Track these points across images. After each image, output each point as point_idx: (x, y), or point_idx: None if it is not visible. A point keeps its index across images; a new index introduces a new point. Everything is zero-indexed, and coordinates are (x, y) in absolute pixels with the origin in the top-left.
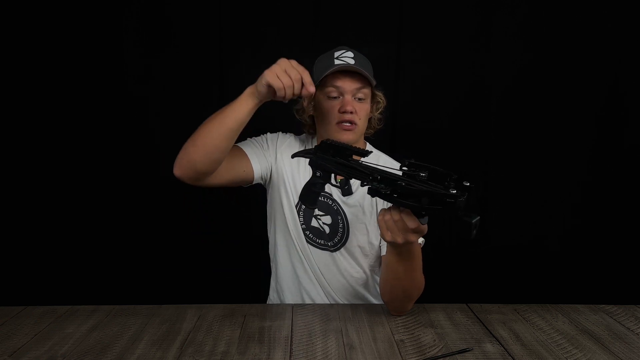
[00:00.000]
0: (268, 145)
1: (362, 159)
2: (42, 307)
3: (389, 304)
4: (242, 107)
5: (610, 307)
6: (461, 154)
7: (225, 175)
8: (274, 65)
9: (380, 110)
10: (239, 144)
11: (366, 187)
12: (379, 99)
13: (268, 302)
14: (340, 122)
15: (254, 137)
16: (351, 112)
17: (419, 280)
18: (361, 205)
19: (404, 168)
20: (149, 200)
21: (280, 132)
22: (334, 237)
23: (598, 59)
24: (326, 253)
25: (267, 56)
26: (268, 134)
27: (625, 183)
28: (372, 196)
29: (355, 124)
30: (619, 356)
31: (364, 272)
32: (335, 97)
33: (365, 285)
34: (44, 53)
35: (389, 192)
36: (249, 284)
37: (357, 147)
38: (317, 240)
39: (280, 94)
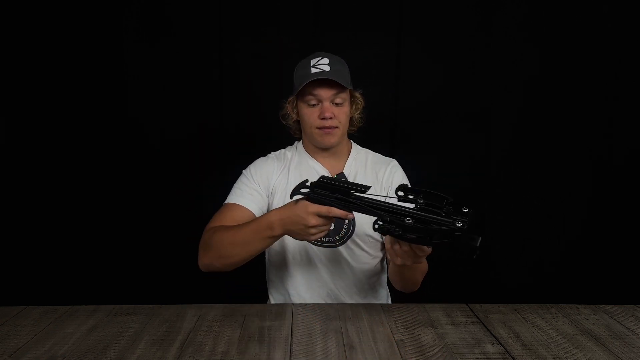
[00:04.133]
0: (254, 179)
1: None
2: (42, 307)
3: (402, 289)
4: (269, 241)
5: (610, 307)
6: (461, 154)
7: None
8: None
9: (359, 110)
10: (234, 201)
11: (365, 174)
12: (358, 100)
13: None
14: (321, 127)
15: (242, 182)
16: (330, 118)
17: (424, 267)
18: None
19: (400, 193)
20: (148, 201)
21: (259, 161)
22: (339, 232)
23: (598, 59)
24: (329, 250)
25: (267, 57)
26: (251, 168)
27: (624, 184)
28: (383, 234)
29: (336, 127)
30: (619, 356)
31: (370, 261)
32: (314, 105)
33: (376, 275)
34: (44, 53)
35: (400, 232)
36: (249, 284)
37: (356, 183)
38: (322, 239)
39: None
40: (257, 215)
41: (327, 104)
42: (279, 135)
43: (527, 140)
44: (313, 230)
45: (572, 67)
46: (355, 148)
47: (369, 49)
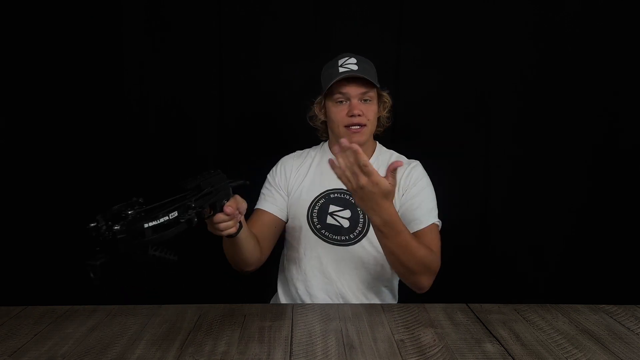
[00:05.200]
0: (276, 183)
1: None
2: (42, 307)
3: (403, 280)
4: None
5: (610, 307)
6: (461, 153)
7: (269, 245)
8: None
9: (387, 109)
10: (258, 206)
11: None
12: (385, 99)
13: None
14: (349, 126)
15: (265, 186)
16: (359, 115)
17: (419, 254)
18: None
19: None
20: (148, 201)
21: (282, 159)
22: (354, 230)
23: (600, 64)
24: (340, 249)
25: (266, 58)
26: (273, 170)
27: (624, 184)
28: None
29: (365, 125)
30: (619, 356)
31: (382, 262)
32: (342, 102)
33: (387, 280)
34: (44, 53)
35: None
36: (249, 284)
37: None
38: (334, 237)
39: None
40: (279, 217)
41: (355, 101)
42: (279, 135)
43: (527, 141)
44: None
45: (572, 67)
46: (380, 149)
47: (369, 49)
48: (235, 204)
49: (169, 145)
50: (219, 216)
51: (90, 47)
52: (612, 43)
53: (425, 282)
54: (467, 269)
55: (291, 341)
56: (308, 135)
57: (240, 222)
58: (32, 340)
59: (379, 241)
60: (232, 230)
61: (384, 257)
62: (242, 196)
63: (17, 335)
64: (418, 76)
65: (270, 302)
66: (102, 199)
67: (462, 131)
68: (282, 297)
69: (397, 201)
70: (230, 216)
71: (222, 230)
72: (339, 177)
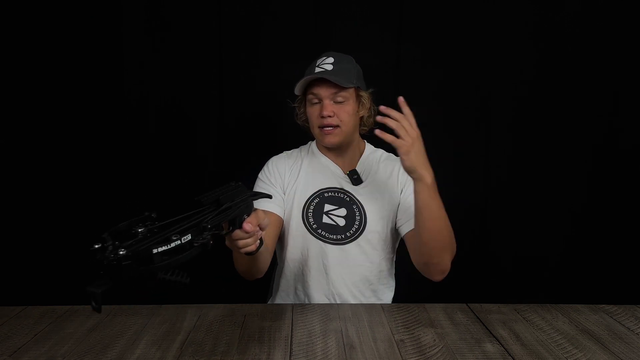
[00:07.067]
0: (271, 182)
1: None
2: (42, 307)
3: (432, 258)
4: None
5: (610, 307)
6: (461, 155)
7: (274, 245)
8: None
9: (366, 109)
10: (259, 207)
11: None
12: (364, 100)
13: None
14: (321, 127)
15: (259, 186)
16: (330, 116)
17: (449, 225)
18: (376, 190)
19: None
20: (148, 201)
21: (272, 159)
22: (350, 228)
23: (599, 64)
24: (337, 247)
25: (266, 58)
26: (265, 170)
27: (624, 184)
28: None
29: (337, 126)
30: (619, 356)
31: (380, 260)
32: (315, 103)
33: (378, 274)
34: (43, 53)
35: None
36: (249, 284)
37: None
38: (331, 236)
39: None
40: (280, 216)
41: (326, 102)
42: (279, 135)
43: (527, 141)
44: None
45: (572, 67)
46: (369, 148)
47: (369, 49)
48: (256, 220)
49: (169, 145)
50: (237, 233)
51: (90, 47)
52: (612, 43)
53: (449, 261)
54: (467, 269)
55: (291, 341)
56: (308, 136)
57: (260, 239)
58: (32, 340)
59: (423, 208)
60: (251, 249)
61: (381, 255)
62: None
63: (17, 335)
64: (418, 76)
65: (267, 303)
66: (102, 199)
67: (462, 131)
68: (279, 298)
69: (397, 197)
70: (250, 233)
71: (240, 248)
72: (396, 129)
